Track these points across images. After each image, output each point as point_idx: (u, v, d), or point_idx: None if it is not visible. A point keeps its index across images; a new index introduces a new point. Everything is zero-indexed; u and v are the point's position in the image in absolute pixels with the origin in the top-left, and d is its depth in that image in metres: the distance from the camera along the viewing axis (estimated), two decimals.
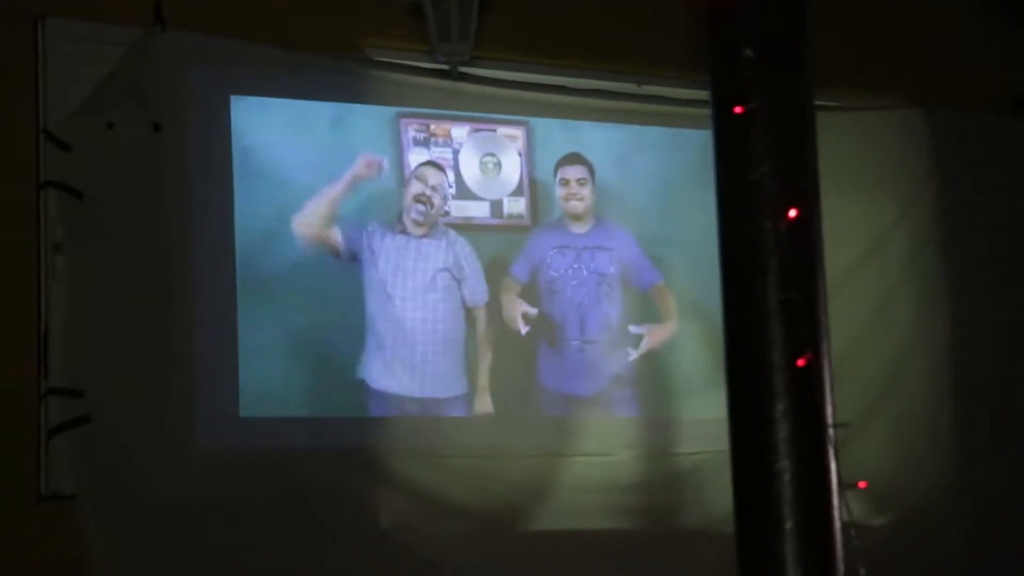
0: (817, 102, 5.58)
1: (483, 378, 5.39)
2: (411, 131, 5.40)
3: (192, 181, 4.98)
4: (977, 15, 6.19)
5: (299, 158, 5.18)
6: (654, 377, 5.61)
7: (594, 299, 5.59)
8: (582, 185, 5.62)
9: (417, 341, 5.26)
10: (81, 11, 4.97)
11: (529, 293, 5.50)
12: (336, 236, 5.18)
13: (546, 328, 5.52)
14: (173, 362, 4.83)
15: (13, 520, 4.70)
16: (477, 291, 5.40)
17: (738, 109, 3.67)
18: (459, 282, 5.37)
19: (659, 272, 5.68)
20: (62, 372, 4.76)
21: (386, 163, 5.31)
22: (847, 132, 5.86)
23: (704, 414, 5.21)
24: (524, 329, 5.46)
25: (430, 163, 5.41)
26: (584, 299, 5.58)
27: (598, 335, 5.57)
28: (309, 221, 5.12)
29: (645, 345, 5.59)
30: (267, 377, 5.05)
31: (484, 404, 5.37)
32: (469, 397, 5.36)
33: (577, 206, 5.61)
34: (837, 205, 5.58)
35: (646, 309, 5.67)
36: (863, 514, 5.47)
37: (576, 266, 5.59)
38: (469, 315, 5.38)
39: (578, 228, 5.62)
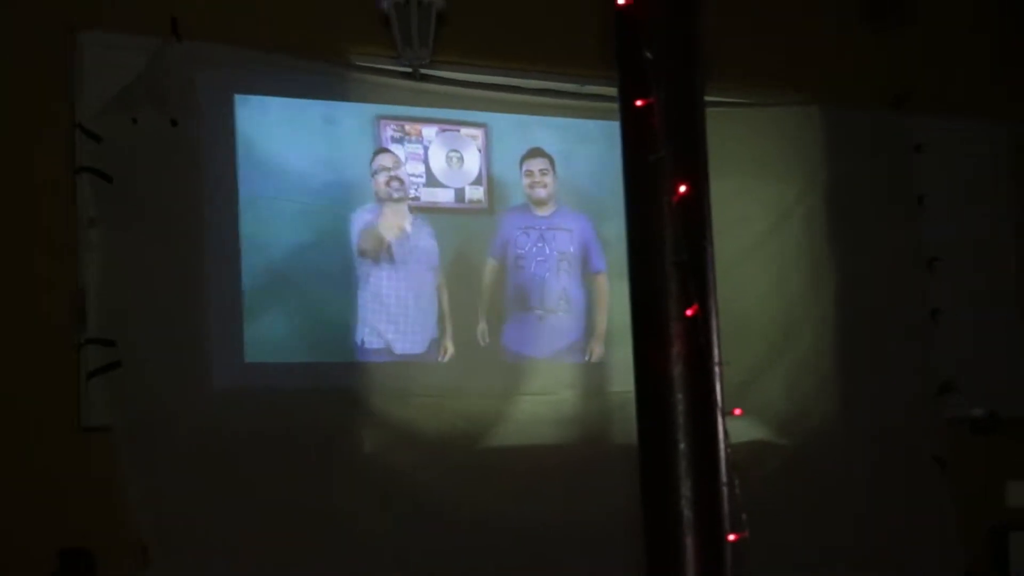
0: (730, 99, 6.23)
1: (445, 339, 5.77)
2: (389, 130, 5.78)
3: (203, 167, 5.30)
4: (861, 22, 6.56)
5: (294, 149, 5.53)
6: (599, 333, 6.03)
7: (554, 274, 5.93)
8: (544, 175, 5.96)
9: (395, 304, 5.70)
10: (110, 24, 5.28)
11: (502, 269, 5.90)
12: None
13: (512, 298, 5.90)
14: (189, 316, 5.20)
15: (58, 447, 5.07)
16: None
17: (640, 102, 3.92)
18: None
19: (603, 262, 5.97)
20: (98, 326, 5.10)
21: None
22: (755, 126, 6.29)
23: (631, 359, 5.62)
24: (489, 301, 5.82)
25: (384, 150, 5.73)
26: (546, 274, 5.93)
27: (556, 305, 5.95)
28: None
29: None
30: (268, 329, 5.41)
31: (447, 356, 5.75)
32: (434, 351, 5.75)
33: (541, 192, 5.96)
34: (747, 187, 6.14)
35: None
36: (771, 435, 6.10)
37: (540, 244, 5.93)
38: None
39: (542, 211, 5.98)
